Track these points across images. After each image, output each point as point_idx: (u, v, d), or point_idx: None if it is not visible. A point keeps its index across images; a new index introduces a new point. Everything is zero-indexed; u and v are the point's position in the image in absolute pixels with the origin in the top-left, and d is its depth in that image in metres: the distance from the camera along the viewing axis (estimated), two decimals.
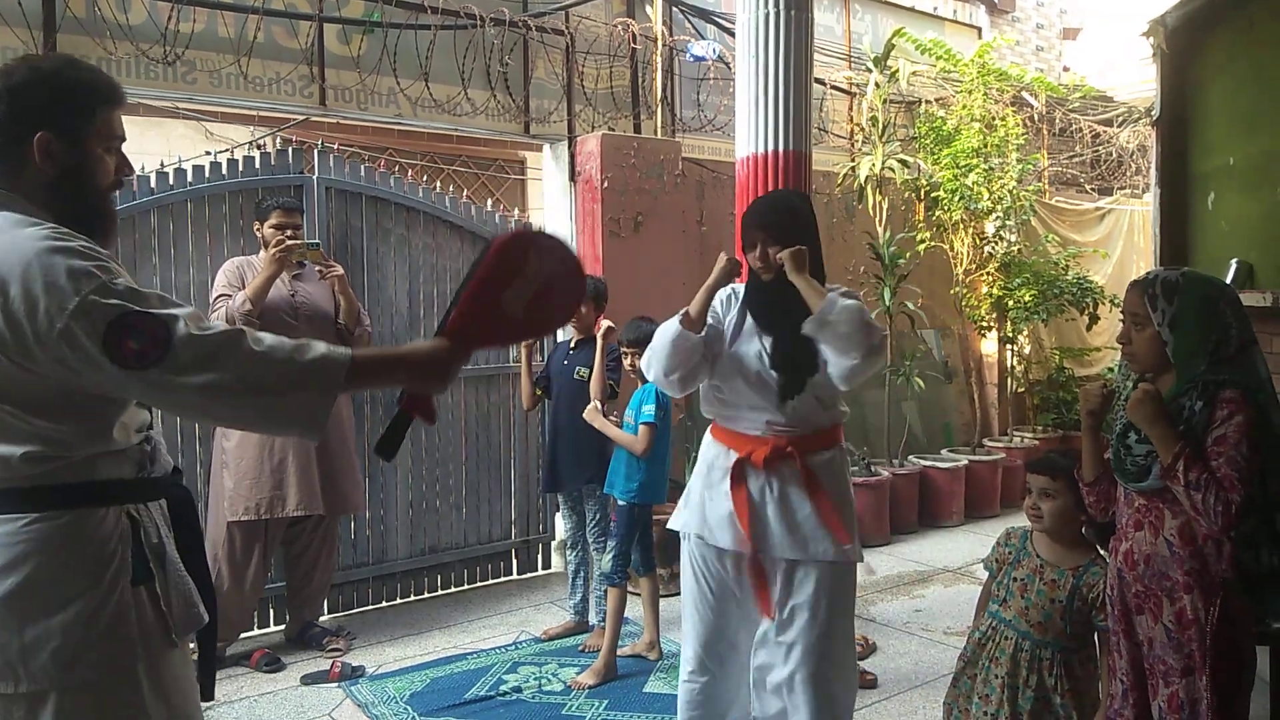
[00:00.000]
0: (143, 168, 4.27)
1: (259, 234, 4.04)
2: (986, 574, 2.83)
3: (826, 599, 2.55)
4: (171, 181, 4.20)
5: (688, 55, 6.10)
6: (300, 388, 1.47)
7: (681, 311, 2.59)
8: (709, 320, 2.66)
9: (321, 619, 4.42)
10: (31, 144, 1.51)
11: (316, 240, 4.21)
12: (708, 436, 2.80)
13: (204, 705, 3.51)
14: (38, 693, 1.44)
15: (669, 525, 2.83)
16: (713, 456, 2.72)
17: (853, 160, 6.86)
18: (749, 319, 2.69)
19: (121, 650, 1.49)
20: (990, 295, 7.18)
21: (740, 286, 2.78)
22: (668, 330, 2.59)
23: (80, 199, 1.57)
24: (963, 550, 5.90)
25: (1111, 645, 2.41)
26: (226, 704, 3.66)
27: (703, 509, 2.70)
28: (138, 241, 4.11)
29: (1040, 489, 2.63)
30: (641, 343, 3.91)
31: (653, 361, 2.63)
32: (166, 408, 1.54)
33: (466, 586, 5.12)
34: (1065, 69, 9.89)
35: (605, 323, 4.05)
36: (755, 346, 2.64)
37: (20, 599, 1.43)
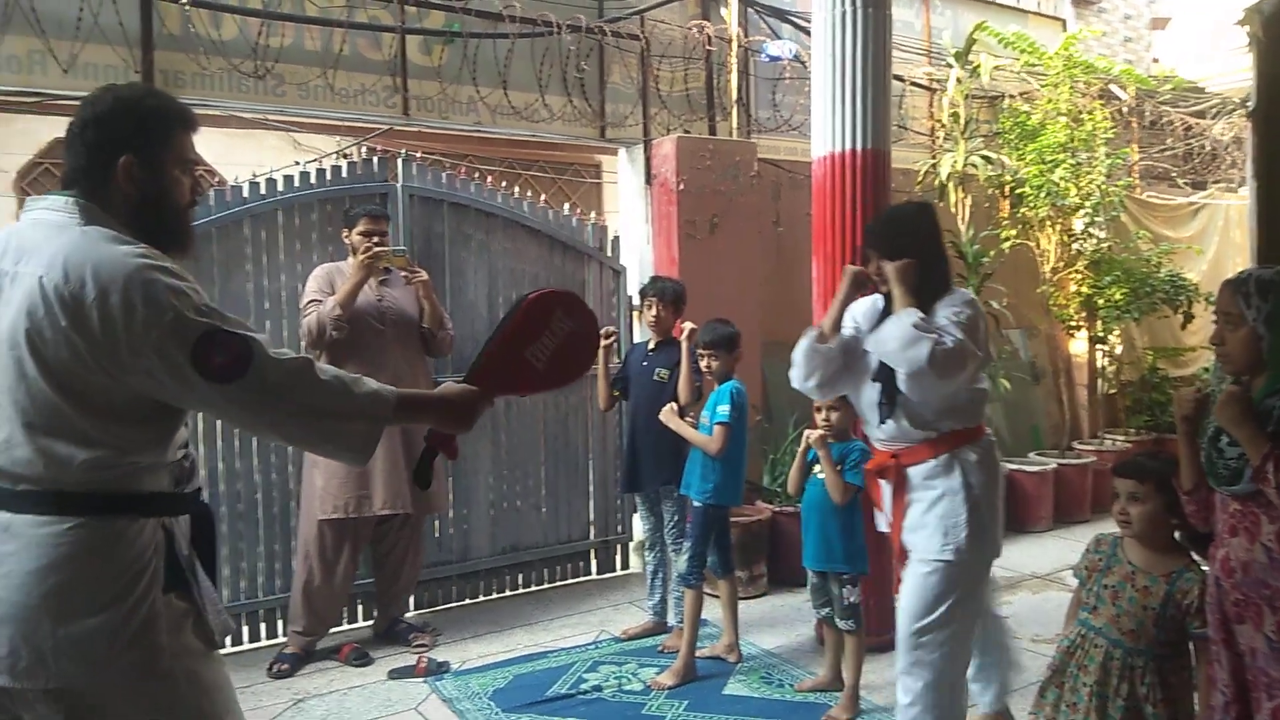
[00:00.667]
0: (235, 178, 4.44)
1: (347, 241, 4.16)
2: (1076, 581, 2.76)
3: (912, 592, 2.76)
4: (263, 191, 4.35)
5: (763, 55, 6.09)
6: (357, 416, 1.64)
7: (817, 325, 2.88)
8: (850, 330, 2.89)
9: (408, 615, 4.53)
10: (116, 167, 1.61)
11: (403, 247, 4.32)
12: None
13: (298, 697, 3.65)
14: (64, 690, 1.51)
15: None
16: None
17: (933, 157, 6.74)
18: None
19: (151, 655, 1.55)
20: (1079, 294, 6.97)
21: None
22: (802, 340, 2.86)
23: (160, 217, 1.67)
24: (1051, 556, 5.74)
25: (1211, 655, 2.33)
26: (317, 697, 3.77)
27: None
28: (231, 250, 4.26)
29: (1128, 493, 2.55)
30: (717, 344, 3.92)
31: (793, 371, 2.90)
32: (237, 421, 1.65)
33: (547, 585, 5.18)
34: (1155, 60, 9.56)
35: (688, 325, 4.06)
36: (872, 364, 2.82)
37: (58, 598, 1.50)
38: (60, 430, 1.52)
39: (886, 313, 2.76)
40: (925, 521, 2.76)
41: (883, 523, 3.01)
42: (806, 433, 3.59)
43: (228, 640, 1.80)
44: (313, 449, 1.75)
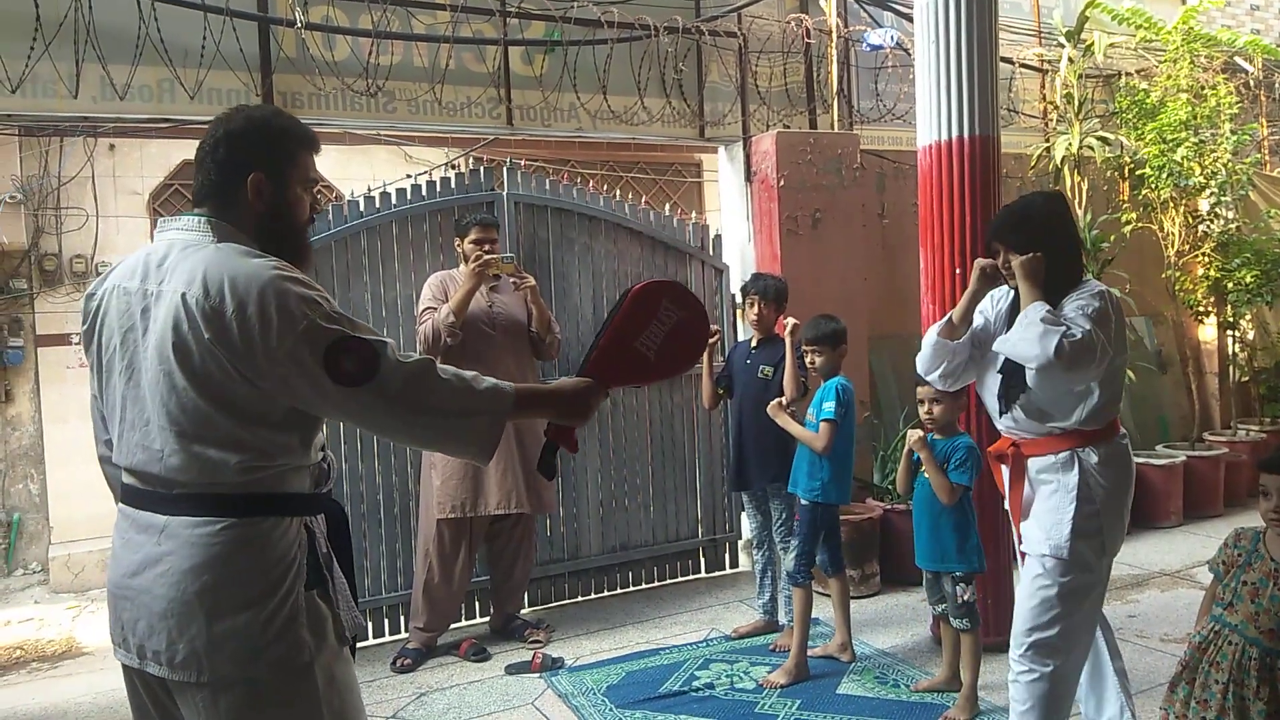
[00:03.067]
0: (351, 193, 4.63)
1: (459, 249, 4.29)
2: (1211, 577, 2.64)
3: (1024, 590, 2.77)
4: (377, 205, 4.52)
5: (864, 45, 5.99)
6: (478, 413, 1.68)
7: (946, 316, 2.89)
8: (979, 321, 2.91)
9: (522, 612, 4.64)
10: (245, 183, 1.70)
11: (510, 254, 4.42)
12: None
13: (421, 690, 3.77)
14: (218, 683, 1.59)
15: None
16: None
17: (1047, 140, 6.53)
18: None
19: (294, 650, 1.61)
20: (1207, 278, 6.65)
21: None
22: (930, 333, 2.90)
23: (283, 232, 1.74)
24: (1181, 553, 5.49)
25: None
26: (439, 691, 3.90)
27: None
28: (350, 262, 4.45)
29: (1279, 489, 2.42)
30: (822, 340, 3.89)
31: (919, 359, 2.95)
32: (366, 423, 1.69)
33: (657, 583, 5.23)
34: None
35: (791, 320, 4.04)
36: (998, 355, 2.82)
37: (211, 595, 1.58)
38: (212, 437, 1.60)
39: (1015, 307, 2.74)
40: (1036, 514, 2.76)
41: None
42: (909, 434, 3.54)
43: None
44: (439, 447, 1.77)
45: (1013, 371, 2.74)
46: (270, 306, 1.55)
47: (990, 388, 2.88)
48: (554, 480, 4.38)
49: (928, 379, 2.99)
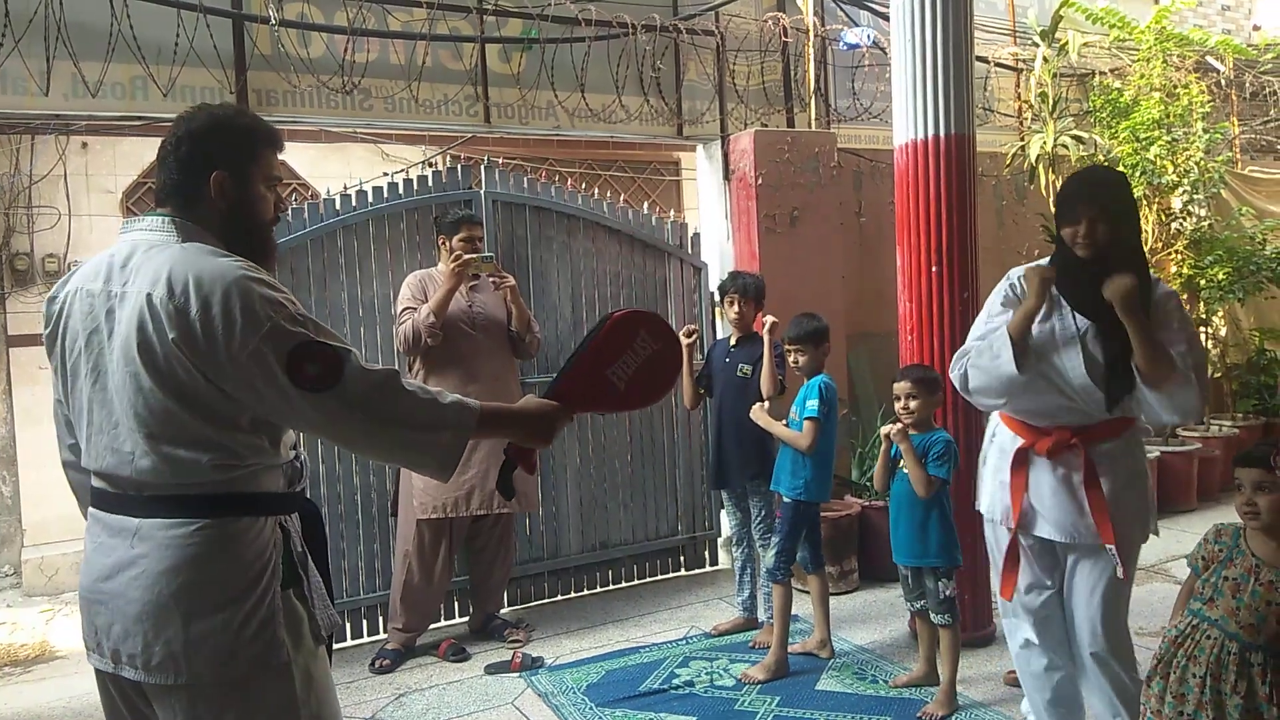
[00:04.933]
0: (327, 190, 4.59)
1: (445, 247, 4.24)
2: (1188, 572, 2.64)
3: (1115, 593, 2.74)
4: (354, 203, 4.49)
5: (841, 44, 6.02)
6: (443, 427, 1.66)
7: (1003, 336, 2.61)
8: (1006, 307, 2.75)
9: (502, 611, 4.63)
10: (208, 182, 1.68)
11: (490, 254, 4.40)
12: (997, 419, 2.93)
13: (400, 691, 3.75)
14: (196, 685, 1.58)
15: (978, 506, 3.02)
16: (1004, 441, 2.85)
17: (1022, 139, 6.58)
18: (1058, 304, 2.66)
19: (272, 649, 1.61)
20: (1179, 275, 6.72)
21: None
22: (1001, 364, 2.60)
23: (246, 231, 1.73)
24: (1155, 547, 5.53)
25: None
26: (418, 691, 3.89)
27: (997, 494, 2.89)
28: (326, 261, 4.41)
29: (1254, 483, 2.42)
30: (805, 339, 3.91)
31: (981, 387, 2.71)
32: (328, 432, 1.66)
33: (637, 582, 5.23)
34: (1256, 28, 9.12)
35: (769, 318, 4.05)
36: (1066, 335, 2.63)
37: (187, 596, 1.57)
38: (181, 437, 1.59)
39: (1069, 284, 2.61)
40: (1118, 501, 2.67)
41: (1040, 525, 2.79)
42: (884, 429, 3.55)
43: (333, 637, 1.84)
44: (401, 460, 1.74)
45: (1121, 370, 2.58)
46: (235, 307, 1.54)
47: (1038, 379, 2.64)
48: (529, 481, 4.38)
49: (984, 404, 2.79)
